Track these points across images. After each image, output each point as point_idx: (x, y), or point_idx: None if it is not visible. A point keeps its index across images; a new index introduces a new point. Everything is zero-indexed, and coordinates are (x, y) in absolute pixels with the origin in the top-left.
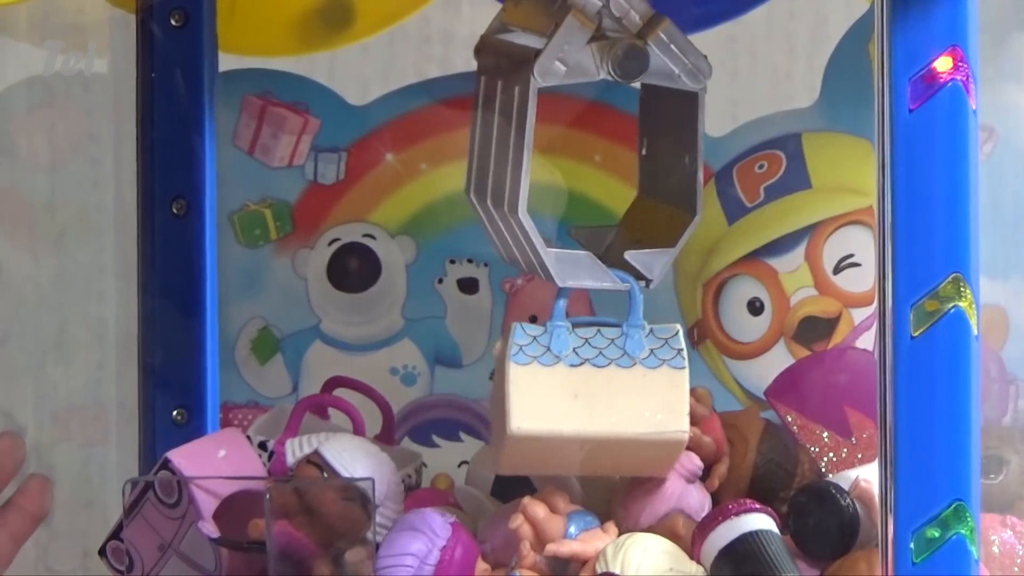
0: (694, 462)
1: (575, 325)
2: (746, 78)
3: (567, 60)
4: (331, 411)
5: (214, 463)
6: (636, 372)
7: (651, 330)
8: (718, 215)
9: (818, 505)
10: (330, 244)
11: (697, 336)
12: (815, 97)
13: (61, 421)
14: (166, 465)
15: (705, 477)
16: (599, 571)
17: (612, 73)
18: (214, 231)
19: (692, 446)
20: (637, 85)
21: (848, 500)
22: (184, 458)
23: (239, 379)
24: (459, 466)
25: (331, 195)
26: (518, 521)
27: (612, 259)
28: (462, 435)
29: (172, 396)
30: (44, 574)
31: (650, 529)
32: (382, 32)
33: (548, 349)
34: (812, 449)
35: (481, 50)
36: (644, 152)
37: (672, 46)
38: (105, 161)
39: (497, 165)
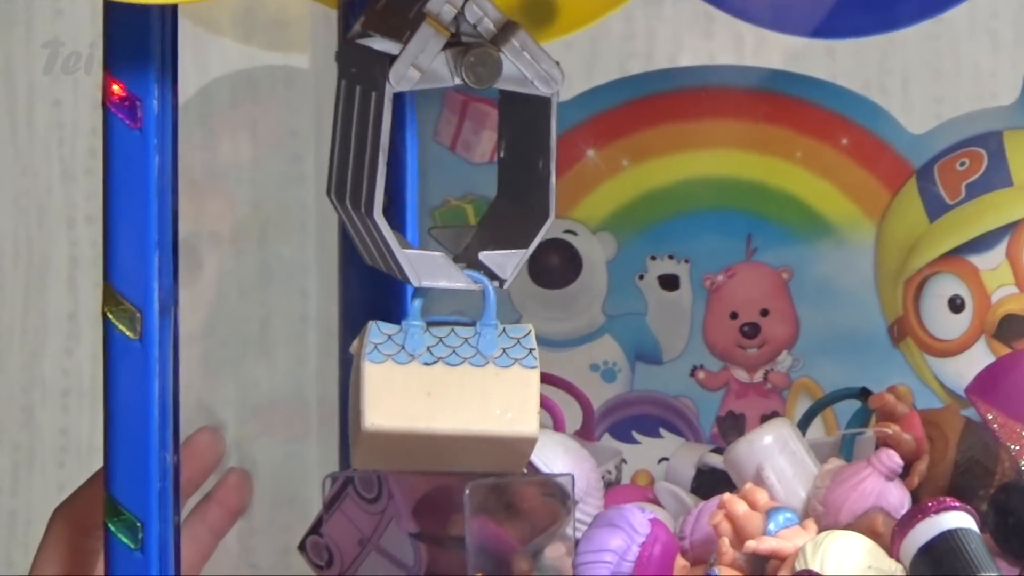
0: (894, 460)
1: (430, 324)
2: (949, 76)
3: (421, 66)
4: None
5: None
6: (488, 371)
7: (504, 329)
8: (919, 212)
9: (1019, 503)
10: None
11: (897, 333)
12: (1017, 95)
13: (262, 416)
14: None
15: (905, 475)
16: (798, 568)
17: (465, 79)
18: (415, 226)
19: (892, 443)
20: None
21: None
22: None
23: None
24: (659, 463)
25: None
26: (718, 517)
27: (469, 259)
28: (662, 431)
29: None
30: (245, 572)
31: (849, 526)
32: (584, 29)
33: (403, 348)
34: (1012, 447)
35: (341, 54)
36: (501, 155)
37: (525, 53)
38: (306, 156)
39: (355, 168)
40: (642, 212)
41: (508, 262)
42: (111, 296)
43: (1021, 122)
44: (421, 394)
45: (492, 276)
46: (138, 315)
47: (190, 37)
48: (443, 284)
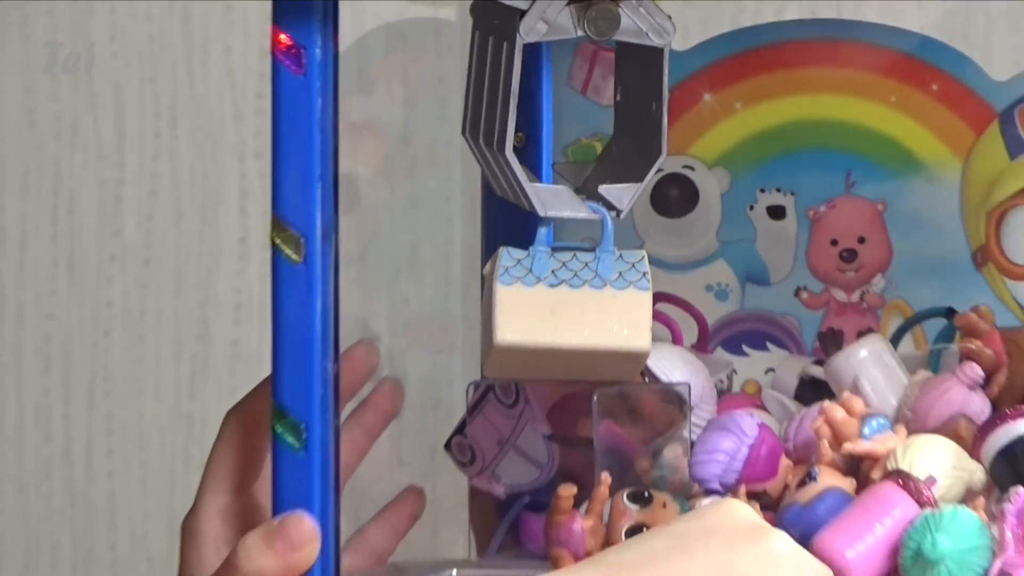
0: (976, 372)
1: (555, 249)
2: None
3: (548, 19)
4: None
5: None
6: (606, 292)
7: (620, 255)
8: (1001, 151)
9: None
10: (655, 174)
11: (980, 259)
12: None
13: (412, 331)
14: None
15: (986, 385)
16: (889, 468)
17: (587, 31)
18: (550, 161)
19: (975, 357)
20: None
21: None
22: None
23: None
24: (766, 373)
25: None
26: (818, 423)
27: (590, 192)
28: (769, 345)
29: None
30: (396, 469)
31: (935, 431)
32: None
33: (530, 271)
34: None
35: (476, 8)
36: (618, 99)
37: (641, 8)
38: (453, 99)
39: (488, 110)
40: (753, 150)
41: (624, 194)
42: (278, 224)
43: None
44: (546, 312)
45: (610, 207)
46: (302, 241)
47: None
48: (566, 214)
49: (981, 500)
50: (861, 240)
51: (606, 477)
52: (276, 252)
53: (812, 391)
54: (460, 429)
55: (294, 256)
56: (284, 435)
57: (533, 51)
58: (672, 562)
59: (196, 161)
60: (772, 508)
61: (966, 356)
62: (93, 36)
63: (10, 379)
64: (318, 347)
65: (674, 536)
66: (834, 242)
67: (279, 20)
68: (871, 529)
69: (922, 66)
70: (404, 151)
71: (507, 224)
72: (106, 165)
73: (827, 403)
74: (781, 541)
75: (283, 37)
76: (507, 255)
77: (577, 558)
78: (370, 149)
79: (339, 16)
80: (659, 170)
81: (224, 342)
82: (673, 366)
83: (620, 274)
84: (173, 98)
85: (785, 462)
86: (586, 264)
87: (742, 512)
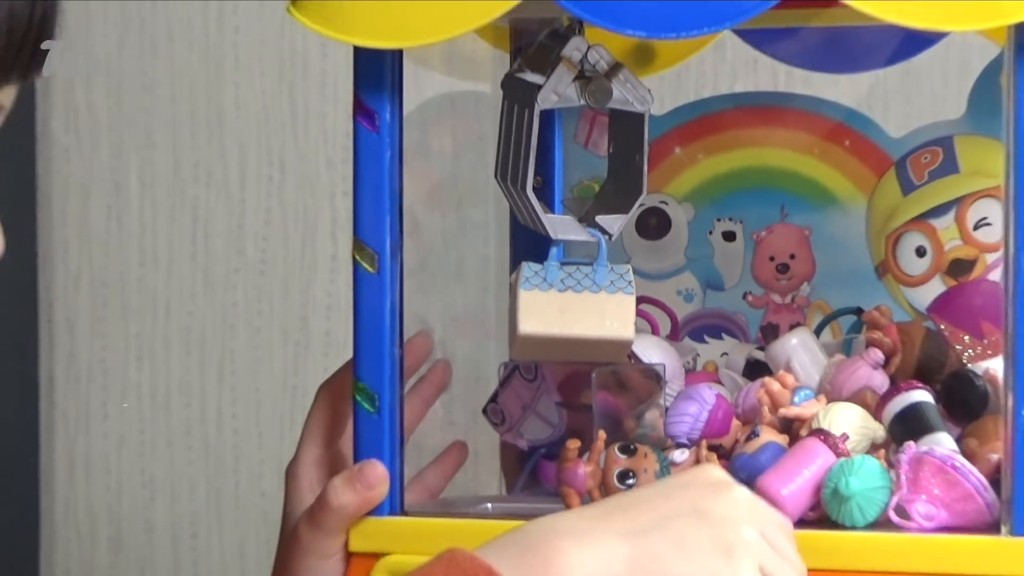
0: (878, 355)
1: (563, 264)
2: (916, 97)
3: (559, 92)
4: (637, 318)
5: None
6: (601, 295)
7: (612, 268)
8: (896, 190)
9: (961, 385)
10: (638, 207)
11: (881, 271)
12: (962, 111)
13: (458, 324)
14: None
15: (885, 366)
16: (814, 427)
17: (587, 101)
18: (560, 197)
19: (877, 344)
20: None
21: (981, 382)
22: None
23: None
24: (721, 356)
25: None
26: (761, 393)
27: (589, 220)
28: (723, 335)
29: None
30: (447, 428)
31: (848, 400)
32: (672, 68)
33: (545, 279)
34: (957, 347)
35: (506, 83)
36: (610, 151)
37: (627, 83)
38: (489, 151)
39: (514, 159)
40: (711, 189)
41: (615, 223)
42: (358, 244)
43: (966, 130)
44: (556, 310)
45: (604, 232)
46: (376, 257)
47: (411, 70)
48: (572, 237)
49: (882, 451)
50: (792, 256)
51: (602, 434)
52: (357, 266)
53: (756, 370)
54: (494, 398)
55: (370, 268)
56: (362, 402)
57: (547, 115)
58: (656, 502)
59: (299, 198)
60: (726, 457)
61: (870, 343)
62: (224, 104)
63: (161, 361)
64: (388, 336)
65: (659, 486)
66: (772, 258)
67: (359, 92)
68: (800, 473)
69: (838, 126)
70: (452, 189)
71: (528, 244)
72: (232, 201)
73: (767, 379)
74: (742, 491)
75: (362, 105)
76: (528, 267)
77: (580, 495)
78: (426, 188)
79: (403, 89)
80: (641, 204)
81: (319, 332)
82: (651, 351)
83: (611, 281)
84: (282, 150)
85: (736, 422)
86: (586, 274)
87: (714, 471)
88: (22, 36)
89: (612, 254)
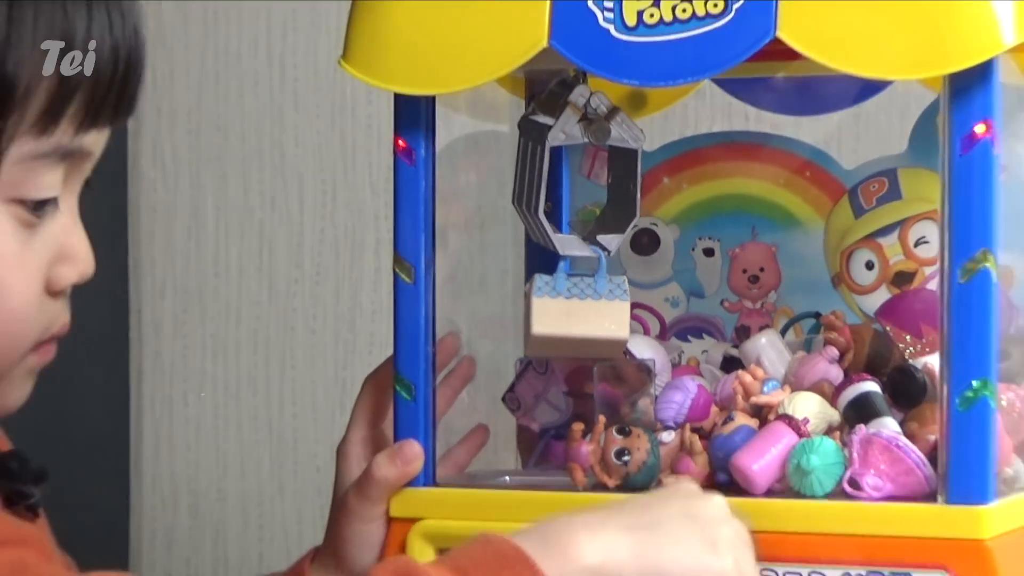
0: (834, 352)
1: (570, 275)
2: (866, 135)
3: (566, 132)
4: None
5: None
6: (601, 302)
7: (610, 279)
8: (848, 213)
9: (903, 377)
10: (632, 228)
11: (836, 282)
12: (904, 147)
13: (482, 326)
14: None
15: (840, 361)
16: (780, 412)
17: (590, 139)
18: (567, 219)
19: (832, 343)
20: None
21: (921, 374)
22: None
23: None
24: (702, 353)
25: None
26: (735, 384)
27: (591, 239)
28: (704, 336)
29: None
30: (472, 412)
31: (808, 390)
32: (661, 111)
33: (554, 288)
34: (900, 346)
35: (521, 124)
36: (609, 181)
37: (623, 124)
38: (507, 181)
39: (528, 187)
40: (694, 213)
41: (613, 241)
42: (398, 259)
43: (907, 163)
44: (563, 314)
45: (604, 249)
46: (412, 269)
47: (442, 113)
48: (576, 253)
49: (837, 433)
50: (761, 269)
51: (602, 418)
52: (396, 277)
53: (731, 364)
54: (511, 388)
55: (408, 279)
56: (401, 391)
57: (556, 151)
58: (653, 506)
59: (348, 220)
60: (706, 437)
61: (827, 342)
62: (285, 143)
63: (232, 357)
64: (422, 337)
65: (654, 495)
66: (744, 271)
67: (399, 131)
68: (768, 451)
69: (800, 160)
70: (476, 213)
71: (540, 259)
72: (292, 223)
73: (740, 372)
74: (719, 499)
75: (401, 142)
76: (539, 278)
77: (584, 469)
78: (455, 212)
79: (436, 129)
80: (635, 226)
81: (365, 333)
82: (643, 348)
83: (610, 290)
84: (334, 181)
85: (714, 408)
86: (589, 284)
87: (694, 486)
88: (107, 86)
89: (610, 267)
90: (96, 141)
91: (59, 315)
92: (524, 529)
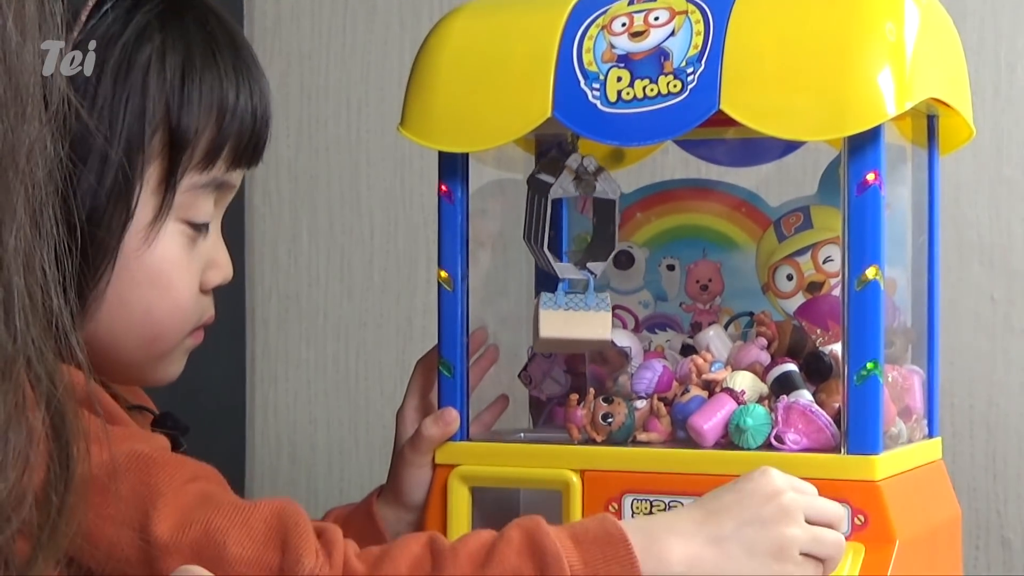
0: (763, 342)
1: (567, 292)
2: (786, 183)
3: (563, 187)
4: (612, 318)
5: None
6: (590, 312)
7: (597, 295)
8: (774, 239)
9: (815, 360)
10: (612, 254)
11: (765, 290)
12: (815, 190)
13: (505, 324)
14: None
15: (767, 348)
16: (724, 386)
17: (581, 192)
18: (566, 249)
19: (762, 335)
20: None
21: (828, 358)
22: None
23: None
24: (666, 342)
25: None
26: (690, 365)
27: (582, 264)
28: (667, 329)
29: None
30: (496, 387)
31: (745, 369)
32: (635, 164)
33: (556, 302)
34: (813, 337)
35: (529, 179)
36: (593, 221)
37: (606, 180)
38: (519, 219)
39: (534, 226)
40: (660, 239)
41: (598, 267)
42: (440, 271)
43: (817, 201)
44: (563, 321)
45: (591, 272)
46: (451, 279)
47: (474, 166)
48: (571, 276)
49: (766, 401)
50: (710, 280)
51: (592, 390)
52: (440, 285)
53: (687, 351)
54: (525, 368)
55: (448, 288)
56: (443, 370)
57: (556, 201)
58: (734, 511)
59: (406, 243)
60: (669, 404)
61: (759, 334)
62: (359, 187)
63: (320, 346)
64: (459, 330)
65: (737, 493)
66: (697, 281)
67: (442, 178)
68: (715, 414)
69: (738, 200)
70: (499, 240)
71: (545, 280)
72: (365, 246)
73: (694, 356)
74: (790, 497)
75: (444, 187)
76: (545, 295)
77: (578, 428)
78: (483, 238)
79: (469, 178)
80: (614, 251)
81: (418, 327)
82: (623, 338)
83: (596, 304)
84: (396, 214)
85: (675, 383)
86: (581, 299)
87: (773, 481)
88: (248, 138)
89: (596, 285)
90: (238, 177)
91: (208, 308)
92: (633, 520)
